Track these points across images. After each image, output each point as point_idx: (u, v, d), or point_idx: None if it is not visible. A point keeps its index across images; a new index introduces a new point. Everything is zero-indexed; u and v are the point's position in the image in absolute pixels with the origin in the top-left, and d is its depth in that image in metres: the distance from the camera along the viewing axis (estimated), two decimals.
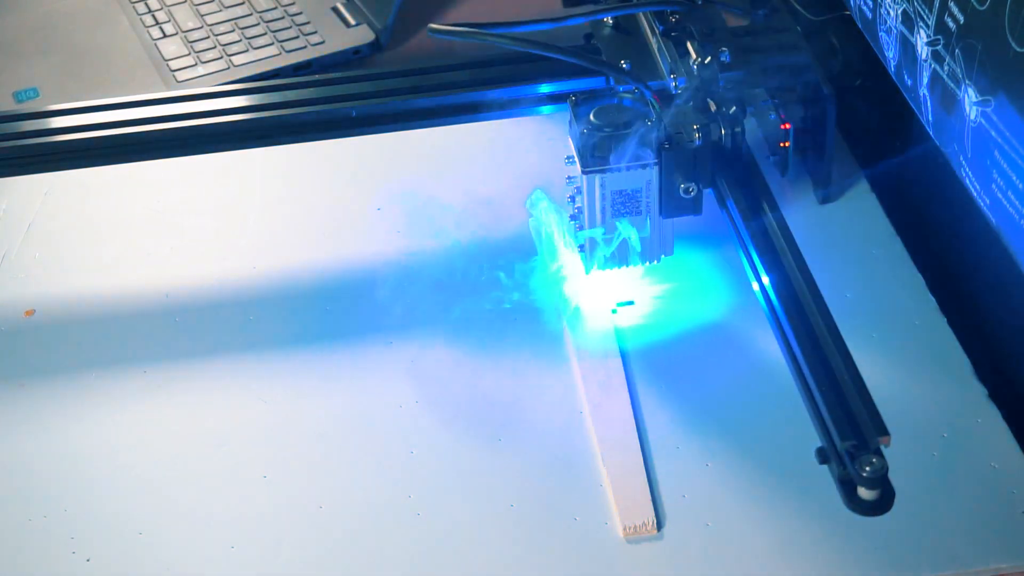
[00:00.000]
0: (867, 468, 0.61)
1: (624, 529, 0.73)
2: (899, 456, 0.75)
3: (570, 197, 0.82)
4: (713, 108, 0.81)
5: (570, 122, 0.80)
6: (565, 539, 0.74)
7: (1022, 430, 0.77)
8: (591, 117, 0.79)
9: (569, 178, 0.81)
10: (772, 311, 0.72)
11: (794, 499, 0.74)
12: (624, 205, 0.80)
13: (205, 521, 0.76)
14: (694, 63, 0.83)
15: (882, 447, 0.62)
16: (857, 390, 0.64)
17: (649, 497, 0.75)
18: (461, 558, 0.73)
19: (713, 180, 0.81)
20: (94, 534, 0.76)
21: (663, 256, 0.84)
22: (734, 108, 0.80)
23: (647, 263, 0.84)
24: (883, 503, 0.62)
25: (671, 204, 0.81)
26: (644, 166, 0.79)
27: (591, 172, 0.79)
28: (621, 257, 0.84)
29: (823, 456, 0.64)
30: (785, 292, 0.72)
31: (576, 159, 0.80)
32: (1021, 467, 0.75)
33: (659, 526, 0.73)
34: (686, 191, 0.80)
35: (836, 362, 0.66)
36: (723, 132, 0.79)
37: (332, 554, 0.74)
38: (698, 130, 0.79)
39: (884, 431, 0.62)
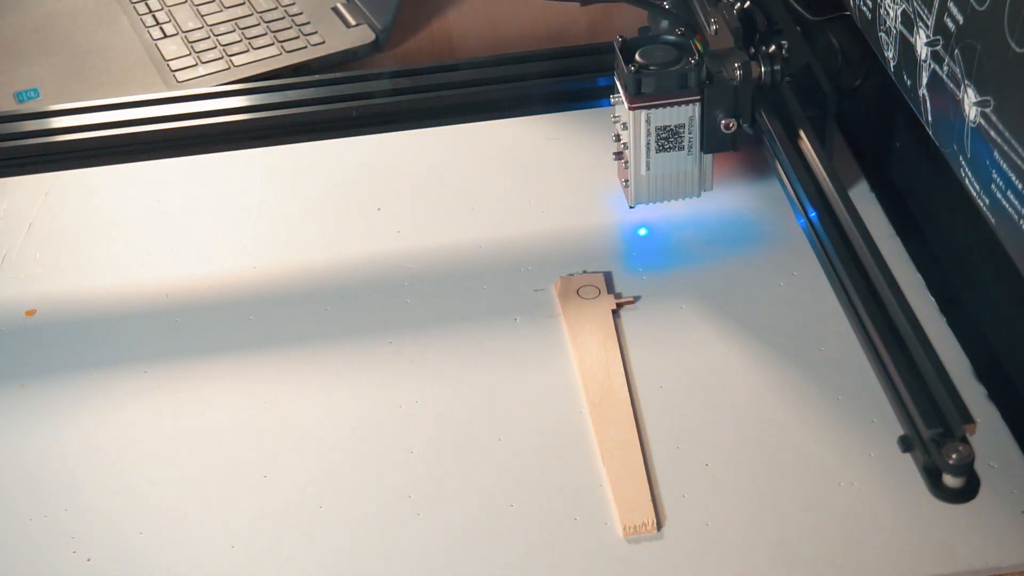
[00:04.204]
0: (953, 456, 0.61)
1: (624, 529, 0.73)
2: (899, 456, 0.75)
3: (615, 137, 0.86)
4: (753, 51, 0.84)
5: (616, 61, 0.84)
6: (565, 539, 0.74)
7: (1022, 430, 0.77)
8: (637, 56, 0.83)
9: (614, 117, 0.86)
10: (821, 246, 0.75)
11: (794, 499, 0.74)
12: (668, 140, 0.84)
13: (205, 521, 0.76)
14: (734, 3, 0.87)
15: (967, 435, 0.62)
16: (938, 375, 0.64)
17: (649, 497, 0.75)
18: (461, 558, 0.73)
19: (753, 116, 0.84)
20: (94, 534, 0.76)
21: (704, 191, 0.88)
22: (773, 48, 0.83)
23: (689, 196, 0.88)
24: (969, 491, 0.62)
25: (712, 139, 0.85)
26: (687, 102, 0.83)
27: (637, 108, 0.83)
28: (665, 190, 0.87)
29: (907, 444, 0.64)
30: (831, 226, 0.74)
31: (623, 96, 0.83)
32: (1021, 467, 0.75)
33: (659, 526, 0.73)
34: (727, 126, 0.84)
35: (914, 346, 0.66)
36: (762, 70, 0.83)
37: (332, 554, 0.74)
38: (739, 68, 0.82)
39: (970, 419, 0.62)
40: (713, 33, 0.86)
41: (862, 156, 0.98)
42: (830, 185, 0.77)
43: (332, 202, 0.99)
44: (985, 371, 0.81)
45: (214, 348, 0.87)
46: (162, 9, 1.19)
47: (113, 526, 0.76)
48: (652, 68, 0.83)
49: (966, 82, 0.70)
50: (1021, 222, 0.68)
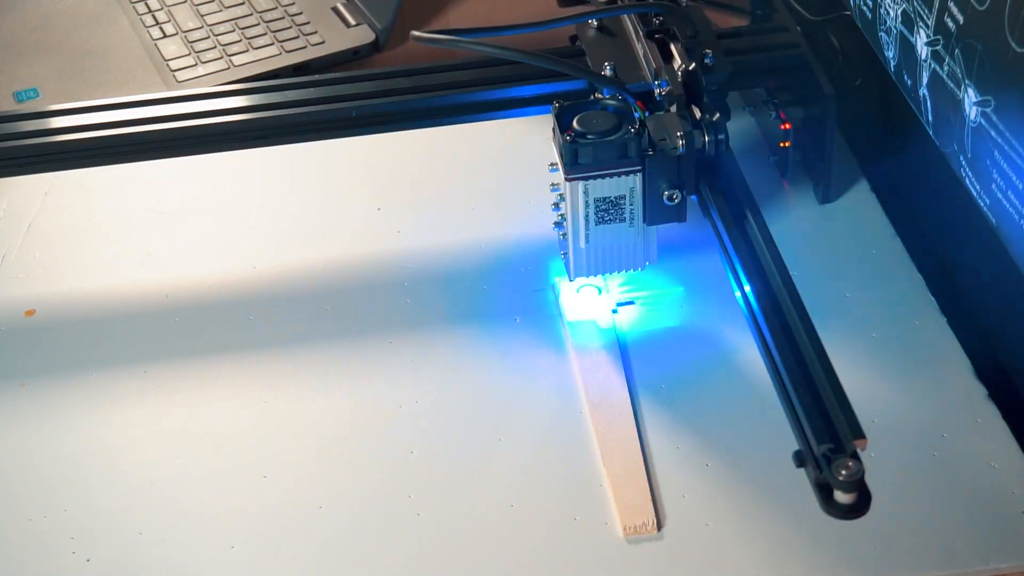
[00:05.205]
0: (843, 472, 0.60)
1: (624, 529, 0.73)
2: (899, 456, 0.75)
3: (554, 205, 0.82)
4: (698, 115, 0.80)
5: (553, 128, 0.79)
6: (565, 539, 0.74)
7: (1022, 430, 0.77)
8: (575, 123, 0.78)
9: (553, 185, 0.81)
10: (752, 316, 0.72)
11: (794, 499, 0.74)
12: (608, 212, 0.80)
13: (205, 521, 0.76)
14: (678, 69, 0.83)
15: (859, 450, 0.61)
16: (835, 393, 0.64)
17: (649, 497, 0.75)
18: (461, 558, 0.73)
19: (697, 187, 0.80)
20: (94, 534, 0.76)
21: (647, 263, 0.84)
22: (718, 115, 0.79)
23: (632, 270, 0.84)
24: (859, 507, 0.61)
25: (655, 211, 0.80)
26: (628, 173, 0.78)
27: (575, 179, 0.78)
28: (606, 264, 0.83)
29: (800, 459, 0.63)
30: (766, 299, 0.72)
31: (560, 166, 0.79)
32: (1021, 467, 0.75)
33: (659, 526, 0.73)
34: (670, 198, 0.79)
35: (814, 366, 0.66)
36: (706, 139, 0.79)
37: (332, 554, 0.74)
38: (682, 137, 0.78)
39: (860, 434, 0.61)
40: (658, 97, 0.83)
41: (862, 156, 0.98)
42: (769, 259, 0.74)
43: (332, 202, 0.99)
44: (985, 371, 0.81)
45: (214, 348, 0.87)
46: (162, 9, 1.19)
47: (113, 526, 0.76)
48: (590, 137, 0.77)
49: (966, 82, 0.70)
50: (1021, 222, 0.68)
